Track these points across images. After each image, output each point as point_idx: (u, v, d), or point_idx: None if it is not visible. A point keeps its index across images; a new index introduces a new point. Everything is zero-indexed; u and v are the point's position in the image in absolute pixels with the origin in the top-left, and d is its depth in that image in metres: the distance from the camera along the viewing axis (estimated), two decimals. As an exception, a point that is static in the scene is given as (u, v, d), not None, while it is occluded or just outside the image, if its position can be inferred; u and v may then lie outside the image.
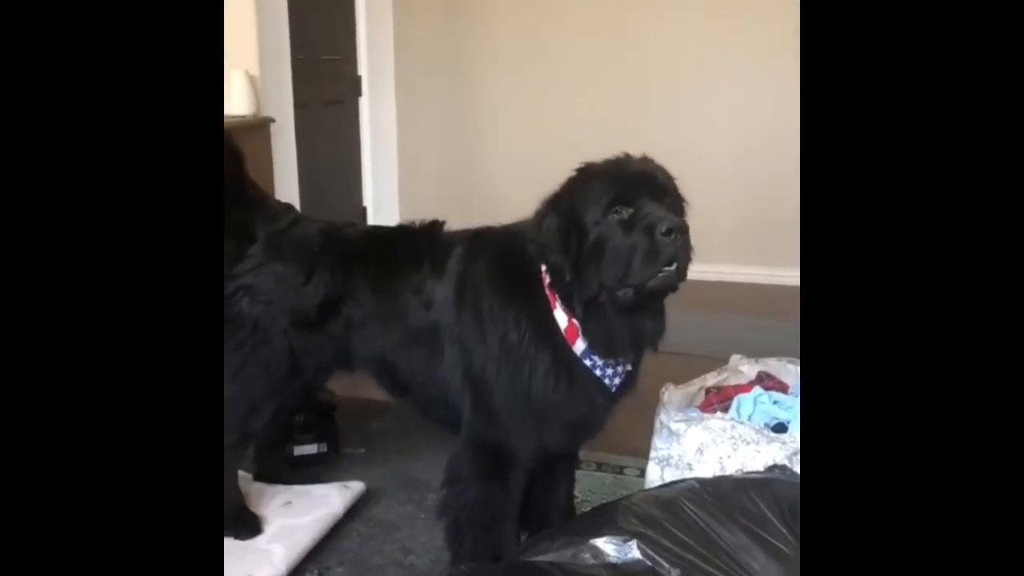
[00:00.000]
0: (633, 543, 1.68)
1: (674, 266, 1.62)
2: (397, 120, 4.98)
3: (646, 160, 1.77)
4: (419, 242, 2.03)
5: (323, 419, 2.70)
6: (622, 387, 1.88)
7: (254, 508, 2.28)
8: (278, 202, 2.25)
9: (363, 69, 4.56)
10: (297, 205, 3.55)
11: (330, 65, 4.29)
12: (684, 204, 1.79)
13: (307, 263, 2.06)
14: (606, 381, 1.83)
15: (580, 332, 1.78)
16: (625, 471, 2.48)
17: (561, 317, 1.79)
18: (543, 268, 1.81)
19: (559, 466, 2.10)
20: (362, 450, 2.77)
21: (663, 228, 1.60)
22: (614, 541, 1.68)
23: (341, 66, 4.41)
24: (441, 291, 1.93)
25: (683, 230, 1.61)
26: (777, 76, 4.64)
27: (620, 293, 1.68)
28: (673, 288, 1.71)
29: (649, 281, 1.65)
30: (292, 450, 2.64)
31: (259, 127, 3.13)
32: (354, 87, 4.53)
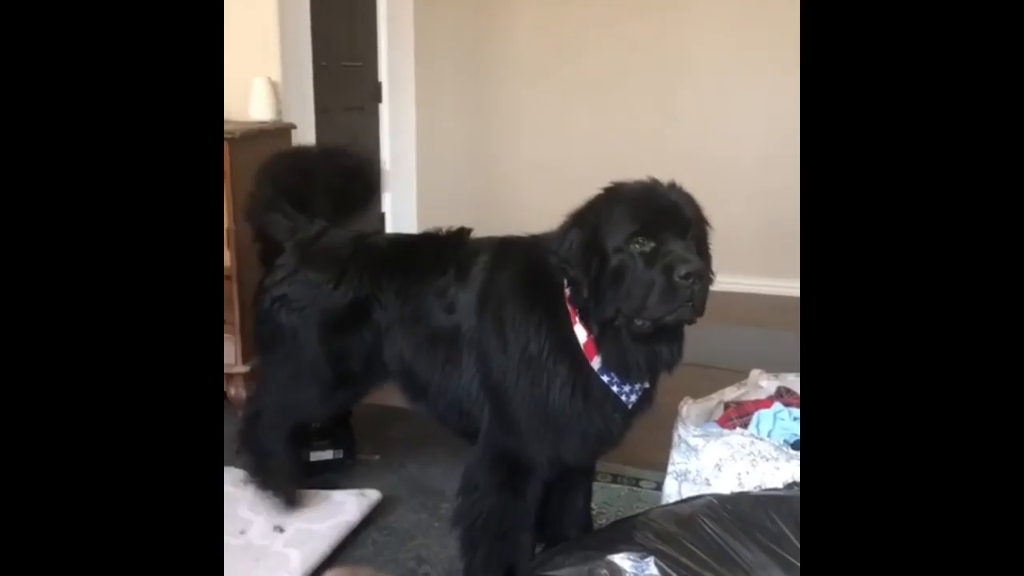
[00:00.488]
0: (651, 560, 1.67)
1: (691, 303, 1.64)
2: (417, 126, 4.99)
3: (674, 189, 1.76)
4: (445, 249, 2.07)
5: (339, 425, 2.70)
6: (639, 404, 1.88)
7: (272, 507, 2.30)
8: (294, 214, 2.28)
9: (384, 75, 4.58)
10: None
11: (351, 71, 4.31)
12: (708, 233, 1.79)
13: (337, 269, 2.13)
14: (623, 398, 1.83)
15: (597, 349, 1.79)
16: (641, 483, 2.47)
17: (580, 332, 1.80)
18: (564, 281, 1.81)
19: (576, 478, 2.10)
20: (377, 457, 2.77)
21: (682, 271, 1.62)
22: (631, 557, 1.67)
23: (362, 72, 4.43)
24: (464, 298, 1.96)
25: (701, 275, 1.63)
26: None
27: (637, 323, 1.70)
28: (689, 322, 1.72)
29: (665, 317, 1.67)
30: (308, 455, 2.65)
31: (281, 133, 3.15)
32: (375, 93, 4.55)
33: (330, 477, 2.59)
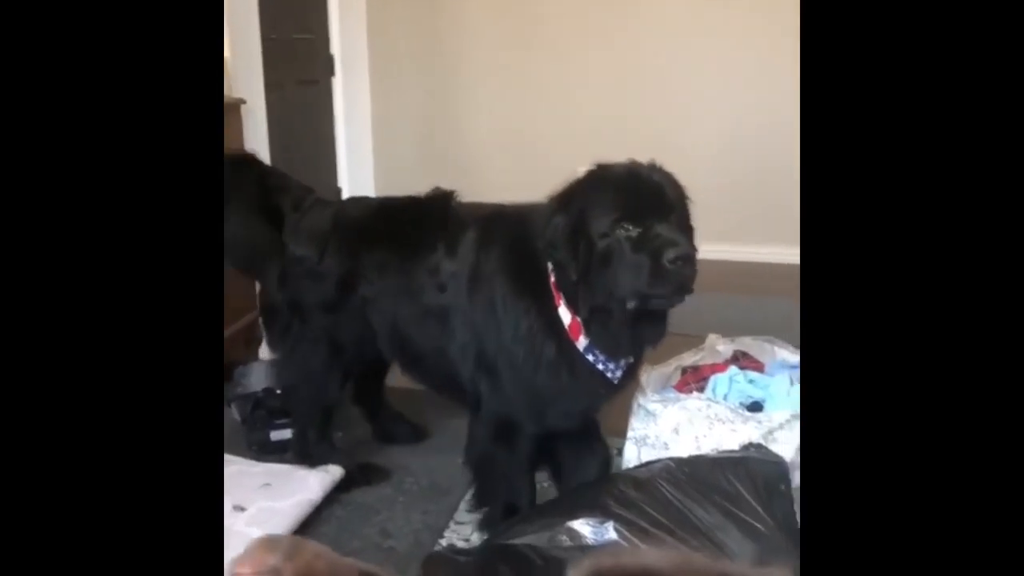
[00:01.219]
0: (609, 524, 1.70)
1: (680, 288, 1.69)
2: (372, 99, 4.92)
3: (655, 170, 1.79)
4: (430, 218, 2.12)
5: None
6: (623, 378, 1.97)
7: (233, 486, 2.27)
8: (301, 186, 2.39)
9: (336, 48, 4.49)
10: (271, 187, 3.52)
11: (302, 44, 4.22)
12: (689, 210, 1.83)
13: (319, 244, 2.20)
14: (608, 375, 1.91)
15: (583, 330, 1.85)
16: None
17: (565, 314, 1.86)
18: (549, 264, 1.87)
19: (590, 440, 2.17)
20: (339, 434, 2.76)
21: (671, 256, 1.65)
22: (591, 523, 1.70)
23: (314, 45, 4.34)
24: (455, 276, 2.02)
25: (690, 258, 1.66)
26: (759, 60, 4.64)
27: (628, 305, 1.75)
28: (675, 303, 1.77)
29: (654, 300, 1.72)
30: (269, 435, 2.63)
31: (230, 109, 3.08)
32: (327, 67, 4.47)
33: (291, 456, 2.58)
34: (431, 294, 2.06)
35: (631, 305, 1.74)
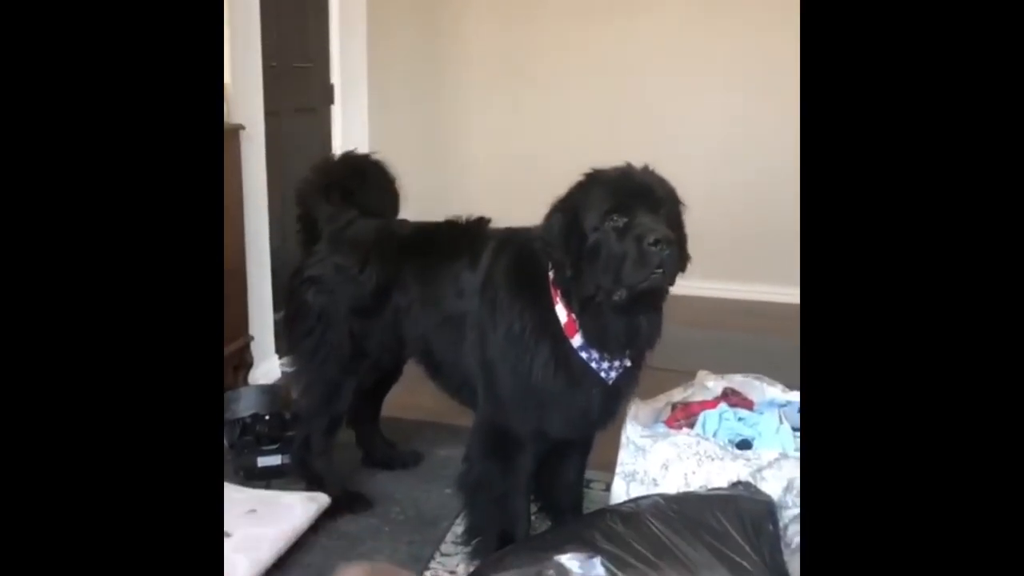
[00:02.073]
0: (597, 560, 1.69)
1: (662, 270, 1.77)
2: (370, 128, 4.95)
3: (647, 172, 1.91)
4: (463, 236, 2.23)
5: (288, 431, 2.67)
6: (621, 382, 2.01)
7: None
8: (339, 202, 2.48)
9: (336, 77, 4.53)
10: (266, 213, 3.53)
11: (302, 72, 4.25)
12: (682, 214, 1.94)
13: (362, 255, 2.31)
14: (602, 374, 1.95)
15: (578, 327, 1.91)
16: (592, 484, 2.49)
17: (561, 312, 1.93)
18: (549, 265, 1.95)
19: (570, 453, 2.25)
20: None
21: (651, 239, 1.74)
22: (578, 557, 1.69)
23: (314, 73, 4.38)
24: (471, 282, 2.12)
25: (669, 241, 1.75)
26: (760, 88, 4.70)
27: (616, 296, 1.81)
28: (661, 288, 1.85)
29: (640, 284, 1.79)
30: (256, 461, 2.62)
31: (229, 134, 3.10)
32: (327, 95, 4.50)
33: (279, 484, 2.56)
34: (451, 301, 2.17)
35: (619, 296, 1.81)
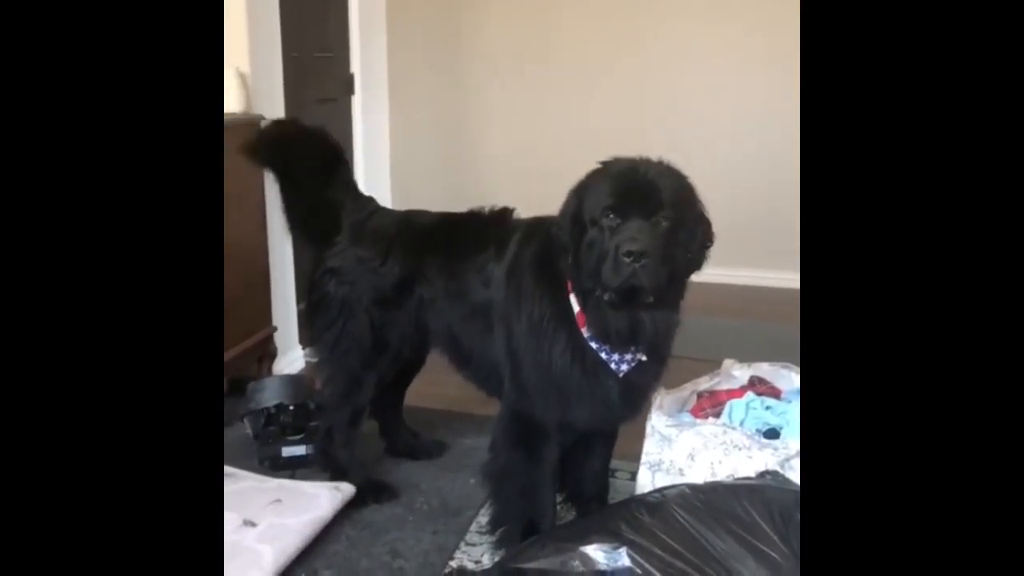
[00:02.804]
0: (623, 550, 1.68)
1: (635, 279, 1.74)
2: (390, 119, 4.95)
3: (659, 167, 1.85)
4: (488, 227, 2.22)
5: (313, 421, 2.68)
6: (636, 375, 1.96)
7: (243, 501, 2.27)
8: (363, 194, 2.49)
9: (356, 67, 4.53)
10: (288, 203, 3.53)
11: (323, 63, 4.25)
12: (693, 213, 1.87)
13: (383, 247, 2.31)
14: (612, 366, 1.93)
15: (582, 318, 1.91)
16: (617, 474, 2.47)
17: (574, 302, 1.92)
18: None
19: (595, 443, 2.23)
20: (351, 451, 2.75)
21: (624, 249, 1.73)
22: (604, 548, 1.68)
23: (334, 64, 4.37)
24: (497, 272, 2.12)
25: (642, 254, 1.72)
26: (774, 82, 4.64)
27: (605, 294, 1.80)
28: (641, 291, 1.79)
29: (614, 286, 1.77)
30: (280, 451, 2.62)
31: (250, 125, 3.10)
32: (347, 85, 4.50)
33: (304, 473, 2.57)
34: (478, 292, 2.17)
35: (607, 297, 1.80)
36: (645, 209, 1.78)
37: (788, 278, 4.76)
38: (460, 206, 2.37)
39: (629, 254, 1.72)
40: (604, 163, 1.91)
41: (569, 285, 1.93)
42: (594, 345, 1.92)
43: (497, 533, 2.16)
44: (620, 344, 1.90)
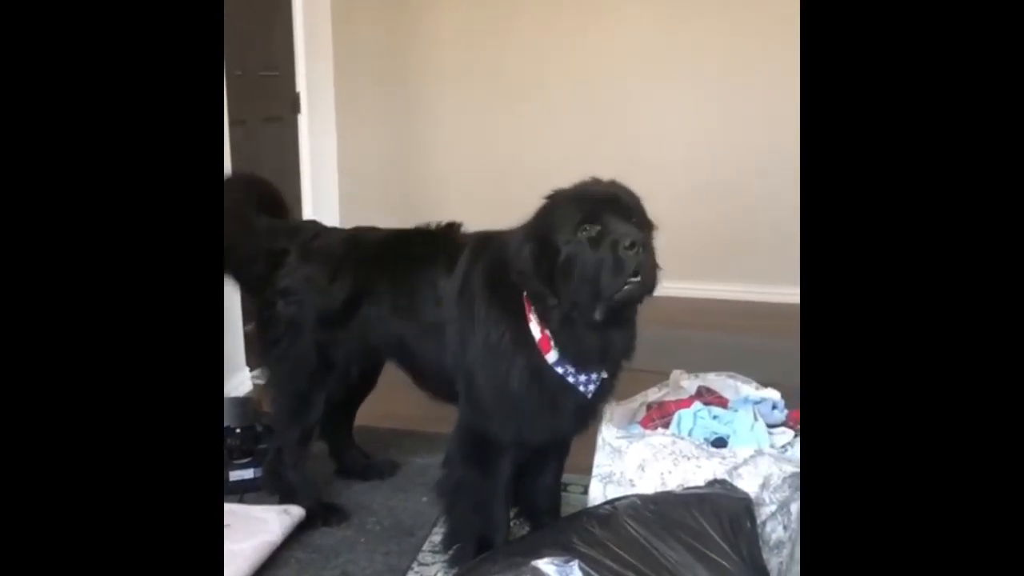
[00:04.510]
0: (575, 564, 1.67)
1: (639, 277, 1.76)
2: (337, 136, 4.92)
3: (612, 183, 1.91)
4: (437, 243, 2.22)
5: (260, 444, 2.63)
6: (597, 394, 2.01)
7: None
8: (301, 221, 2.56)
9: (302, 85, 4.50)
10: (234, 223, 3.48)
11: (268, 81, 4.21)
12: (650, 223, 1.92)
13: (332, 265, 2.30)
14: (580, 388, 1.96)
15: (553, 344, 1.91)
16: (569, 488, 2.47)
17: (535, 328, 1.92)
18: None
19: (547, 457, 2.25)
20: (301, 474, 2.70)
21: (626, 242, 1.73)
22: (555, 562, 1.67)
23: (279, 82, 4.34)
24: (449, 289, 2.11)
25: (645, 243, 1.76)
26: (730, 95, 4.75)
27: (595, 312, 1.81)
28: (638, 299, 1.84)
29: (616, 293, 1.77)
30: (228, 475, 2.57)
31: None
32: (293, 104, 4.46)
33: (251, 497, 2.52)
34: (429, 309, 2.17)
35: (598, 314, 1.81)
36: (620, 213, 1.82)
37: (734, 289, 4.85)
38: (410, 222, 2.37)
39: (632, 245, 1.72)
40: (550, 196, 1.93)
41: (529, 311, 1.93)
42: (559, 369, 1.93)
43: (451, 551, 2.15)
44: (594, 364, 1.93)
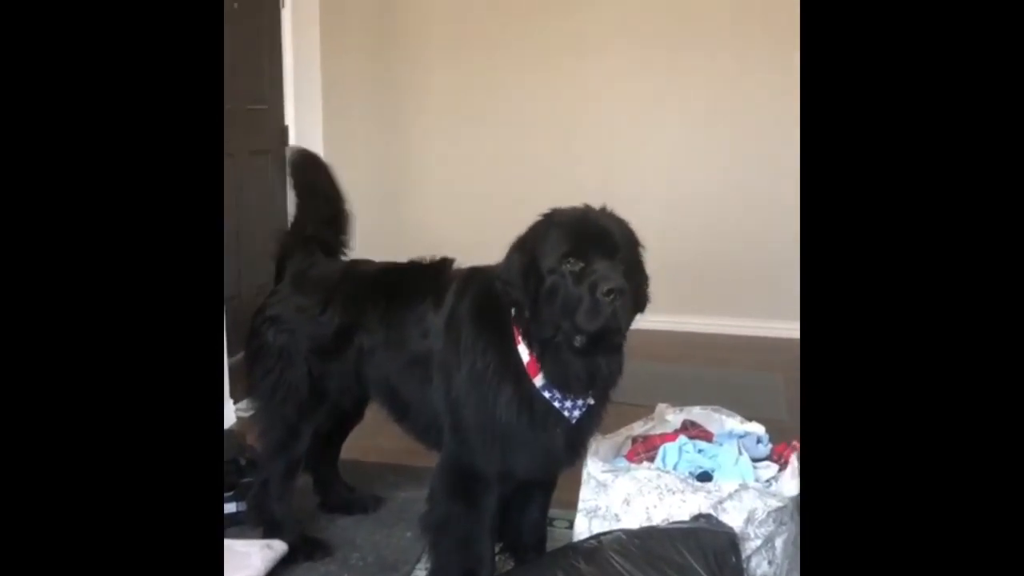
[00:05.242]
0: (560, 599, 1.67)
1: (614, 318, 1.78)
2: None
3: (605, 214, 1.93)
4: (428, 277, 2.21)
5: (244, 477, 2.61)
6: (584, 421, 2.00)
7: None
8: (312, 244, 2.47)
9: (290, 119, 4.54)
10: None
11: (257, 114, 4.24)
12: (641, 255, 1.96)
13: (324, 296, 2.29)
14: (565, 413, 1.95)
15: (539, 367, 1.91)
16: (554, 523, 2.46)
17: (523, 352, 1.93)
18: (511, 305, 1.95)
19: (533, 492, 2.23)
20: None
21: (604, 288, 1.76)
22: (540, 597, 1.66)
23: (268, 115, 4.37)
24: (436, 323, 2.10)
25: (622, 291, 1.77)
26: (708, 125, 4.82)
27: (575, 340, 1.83)
28: (617, 331, 1.85)
29: (591, 330, 1.81)
30: (211, 510, 2.54)
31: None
32: (282, 137, 4.49)
33: (233, 531, 2.49)
34: (417, 342, 2.15)
35: (578, 342, 1.83)
36: (605, 251, 1.84)
37: (720, 323, 4.88)
38: (399, 253, 2.38)
39: (609, 292, 1.75)
40: (546, 214, 1.95)
41: (518, 336, 1.94)
42: (547, 394, 1.94)
43: None
44: (579, 390, 1.93)
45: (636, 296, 1.91)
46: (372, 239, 5.08)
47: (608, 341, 1.88)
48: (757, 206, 4.78)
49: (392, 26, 5.21)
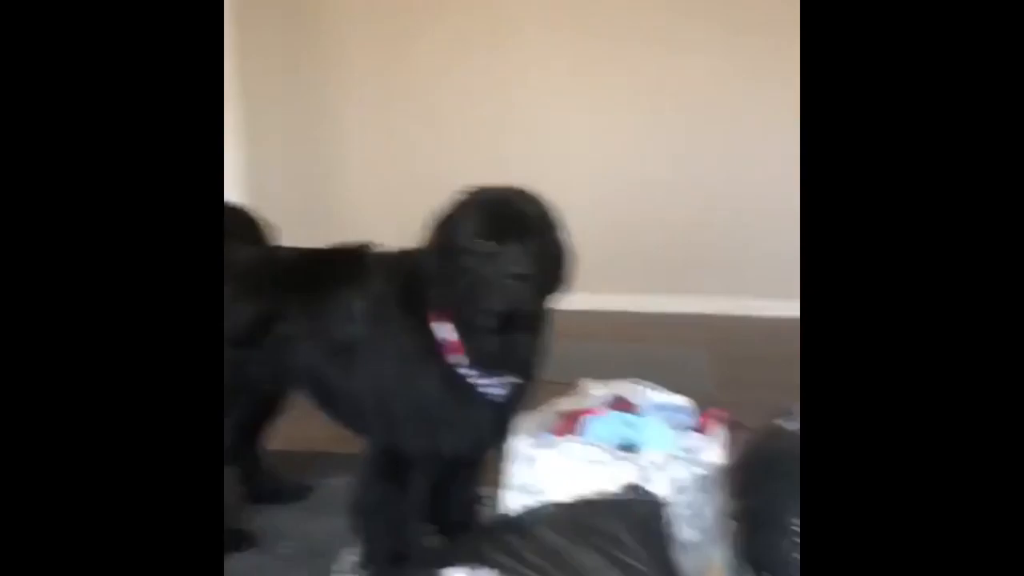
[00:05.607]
0: (487, 573, 1.67)
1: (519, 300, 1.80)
2: (247, 159, 4.83)
3: (523, 195, 1.92)
4: (348, 262, 2.17)
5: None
6: (510, 400, 2.01)
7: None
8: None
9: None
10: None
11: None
12: (558, 238, 1.94)
13: (238, 284, 2.17)
14: (490, 391, 1.96)
15: (460, 347, 1.91)
16: (483, 501, 2.46)
17: (446, 331, 1.92)
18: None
19: (461, 469, 2.24)
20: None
21: (510, 271, 1.77)
22: (468, 572, 1.66)
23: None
24: (359, 307, 2.07)
25: (525, 277, 1.78)
26: (634, 107, 4.89)
27: (488, 319, 1.84)
28: (523, 313, 1.85)
29: (498, 310, 1.81)
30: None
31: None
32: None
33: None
34: (340, 328, 2.12)
35: (490, 322, 1.84)
36: (518, 234, 1.83)
37: (635, 300, 4.97)
38: (323, 241, 2.33)
39: (515, 276, 1.76)
40: (468, 193, 1.94)
41: (439, 316, 1.94)
42: (469, 372, 1.94)
43: (366, 570, 2.11)
44: (497, 368, 1.94)
45: (549, 279, 1.92)
46: (294, 227, 4.99)
47: (519, 322, 1.89)
48: (678, 180, 4.88)
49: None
